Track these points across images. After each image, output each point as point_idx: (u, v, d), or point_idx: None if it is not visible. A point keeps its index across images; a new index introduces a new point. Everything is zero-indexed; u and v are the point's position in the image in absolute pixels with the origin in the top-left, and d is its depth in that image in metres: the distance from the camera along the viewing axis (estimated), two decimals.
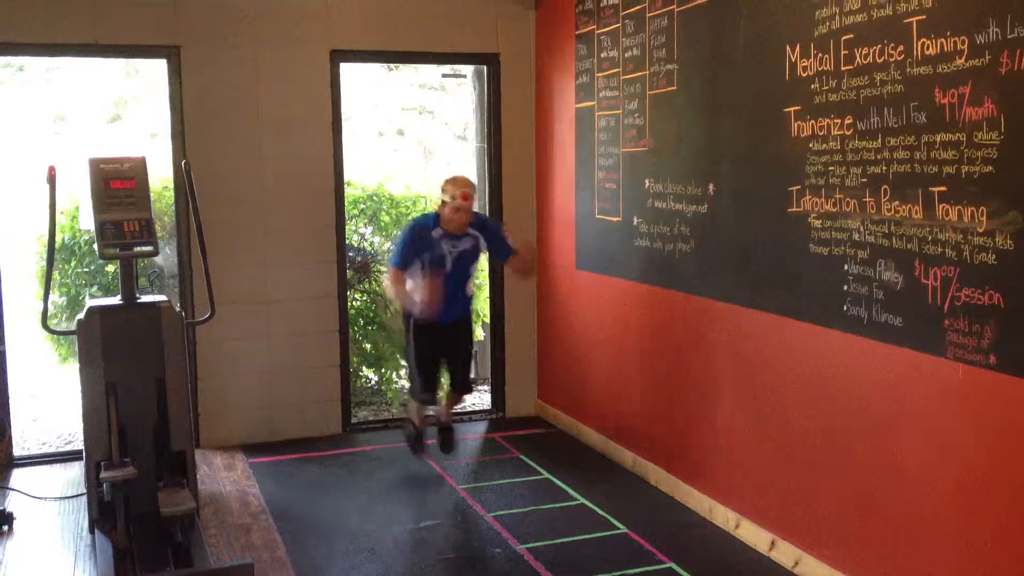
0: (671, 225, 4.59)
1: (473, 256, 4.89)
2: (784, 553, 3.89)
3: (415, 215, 5.64)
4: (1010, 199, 2.83)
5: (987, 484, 2.98)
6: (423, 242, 4.70)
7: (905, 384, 3.28)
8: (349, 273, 6.22)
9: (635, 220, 4.91)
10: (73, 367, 5.38)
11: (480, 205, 6.72)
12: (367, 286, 6.77)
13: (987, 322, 2.93)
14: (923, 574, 3.24)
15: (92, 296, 6.06)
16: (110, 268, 6.13)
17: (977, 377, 2.97)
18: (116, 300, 4.31)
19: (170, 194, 5.69)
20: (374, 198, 6.75)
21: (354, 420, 5.99)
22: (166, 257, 5.95)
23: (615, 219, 5.10)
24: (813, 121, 3.61)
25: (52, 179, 4.25)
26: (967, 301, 2.99)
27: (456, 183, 4.71)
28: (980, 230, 2.93)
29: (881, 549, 3.42)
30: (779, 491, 3.94)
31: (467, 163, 6.86)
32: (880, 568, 3.42)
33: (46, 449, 5.70)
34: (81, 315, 4.22)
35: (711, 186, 4.27)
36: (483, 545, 4.13)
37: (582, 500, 4.63)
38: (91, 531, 4.21)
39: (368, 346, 6.68)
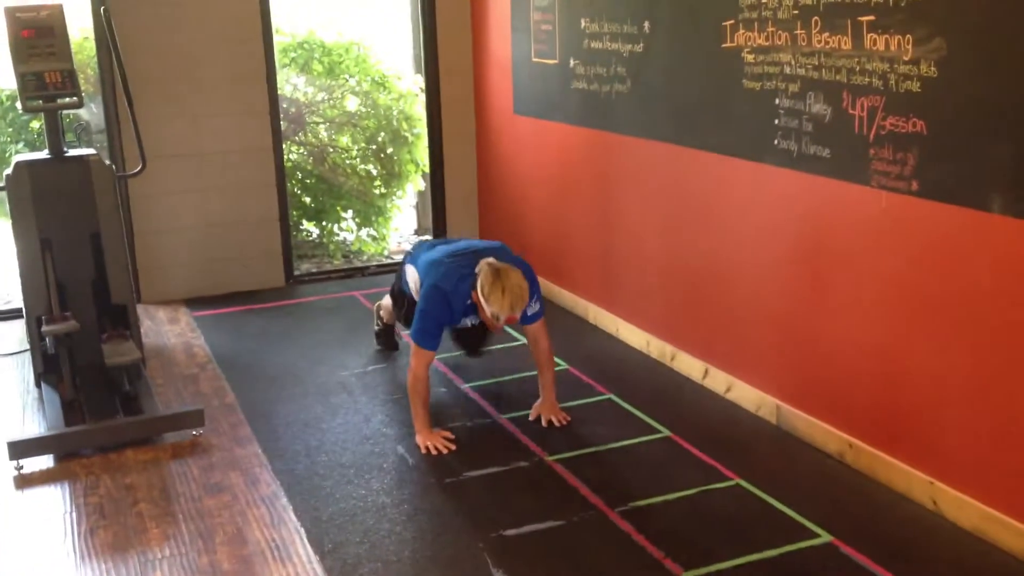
0: (607, 66, 4.56)
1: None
2: (716, 380, 4.07)
3: (440, 276, 3.75)
4: (936, 26, 2.86)
5: (906, 302, 3.13)
6: (451, 315, 3.75)
7: (832, 214, 3.38)
8: (284, 125, 6.11)
9: (571, 62, 4.87)
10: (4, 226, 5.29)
11: (415, 53, 6.61)
12: (303, 138, 6.67)
13: (910, 150, 3.01)
14: (843, 391, 3.43)
15: (18, 153, 5.90)
16: (35, 124, 5.95)
17: (900, 203, 3.08)
18: (43, 155, 4.21)
19: (91, 45, 5.48)
20: (305, 46, 6.57)
21: (297, 272, 6.02)
22: (92, 113, 5.79)
23: (552, 62, 5.05)
24: None
25: None
26: (892, 130, 3.07)
27: (505, 304, 3.51)
28: (906, 58, 2.97)
29: (797, 368, 3.60)
30: (711, 323, 4.09)
31: (400, 5, 6.68)
32: (803, 388, 3.61)
33: None
34: (8, 170, 4.12)
35: (646, 24, 4.23)
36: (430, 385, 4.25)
37: (522, 341, 4.75)
38: (37, 385, 4.25)
39: (308, 199, 6.65)
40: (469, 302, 3.68)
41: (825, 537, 2.97)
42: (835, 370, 3.47)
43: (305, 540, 3.07)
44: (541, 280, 5.49)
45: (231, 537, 3.10)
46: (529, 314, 3.73)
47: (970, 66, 2.78)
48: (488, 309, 3.53)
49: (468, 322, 3.85)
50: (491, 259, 3.65)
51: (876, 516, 3.11)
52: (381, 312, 4.66)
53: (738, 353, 3.95)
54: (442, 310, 3.69)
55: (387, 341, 4.71)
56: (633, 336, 4.65)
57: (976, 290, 2.88)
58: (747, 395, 3.90)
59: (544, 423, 3.81)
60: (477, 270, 3.61)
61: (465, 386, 4.25)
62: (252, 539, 3.09)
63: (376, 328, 4.73)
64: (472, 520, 3.15)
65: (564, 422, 3.82)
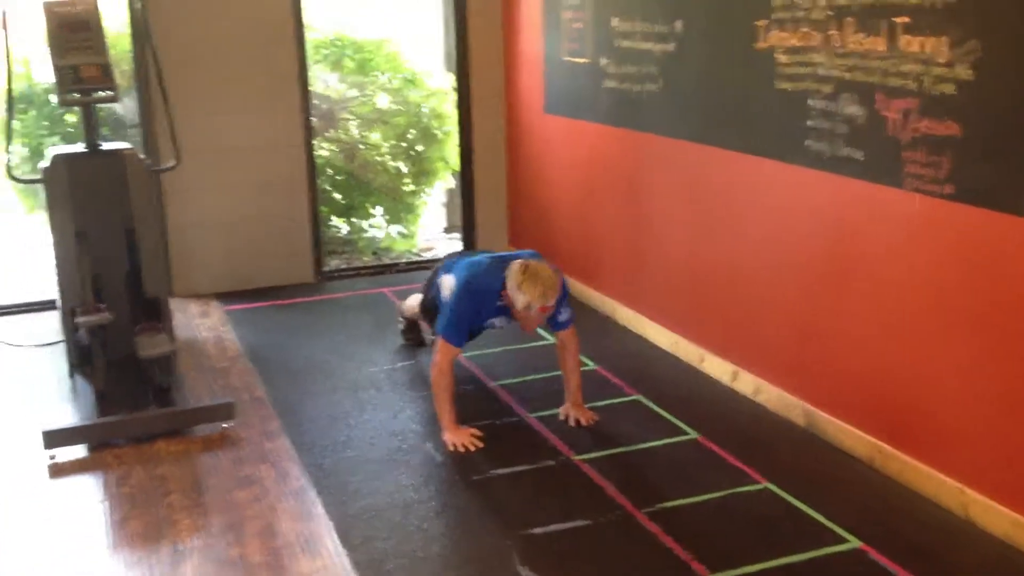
0: (639, 65, 4.56)
1: None
2: (745, 382, 4.06)
3: (476, 272, 3.75)
4: (971, 28, 2.84)
5: (939, 306, 3.11)
6: (481, 313, 3.75)
7: (865, 216, 3.36)
8: (315, 121, 6.15)
9: (602, 61, 4.86)
10: (41, 217, 5.36)
11: (446, 49, 6.63)
12: (334, 134, 6.71)
13: (944, 153, 2.99)
14: (873, 395, 3.41)
15: (53, 147, 5.97)
16: (69, 118, 6.02)
17: (934, 207, 3.05)
18: (80, 148, 4.26)
19: (127, 40, 5.54)
20: (336, 43, 6.61)
21: (326, 269, 6.05)
22: (125, 107, 5.85)
23: (583, 60, 5.05)
24: None
25: (4, 24, 4.13)
26: (926, 132, 3.04)
27: (536, 292, 3.49)
28: (941, 60, 2.95)
29: (827, 372, 3.58)
30: (741, 325, 4.08)
31: (432, 3, 6.69)
32: (833, 391, 3.59)
33: (19, 301, 5.73)
34: (45, 163, 4.18)
35: (678, 23, 4.22)
36: (458, 382, 4.23)
37: (550, 340, 4.75)
38: (71, 376, 4.30)
39: (338, 196, 6.68)
40: (499, 303, 3.68)
41: (854, 543, 2.96)
42: (864, 374, 3.44)
43: (334, 534, 3.09)
44: (569, 279, 5.51)
45: (261, 530, 3.13)
46: (560, 320, 3.76)
47: (1006, 68, 2.76)
48: (520, 300, 3.53)
49: (495, 323, 3.85)
50: (520, 260, 3.67)
51: (905, 522, 3.09)
52: (404, 312, 4.67)
53: (767, 356, 3.93)
54: (471, 306, 3.70)
55: (413, 336, 4.71)
56: (661, 337, 4.64)
57: (1011, 296, 2.85)
58: (776, 398, 3.88)
59: (572, 423, 3.82)
60: (507, 271, 3.63)
61: (493, 384, 4.26)
62: (281, 532, 3.11)
63: (400, 326, 4.75)
64: (499, 518, 3.17)
65: (592, 422, 3.82)
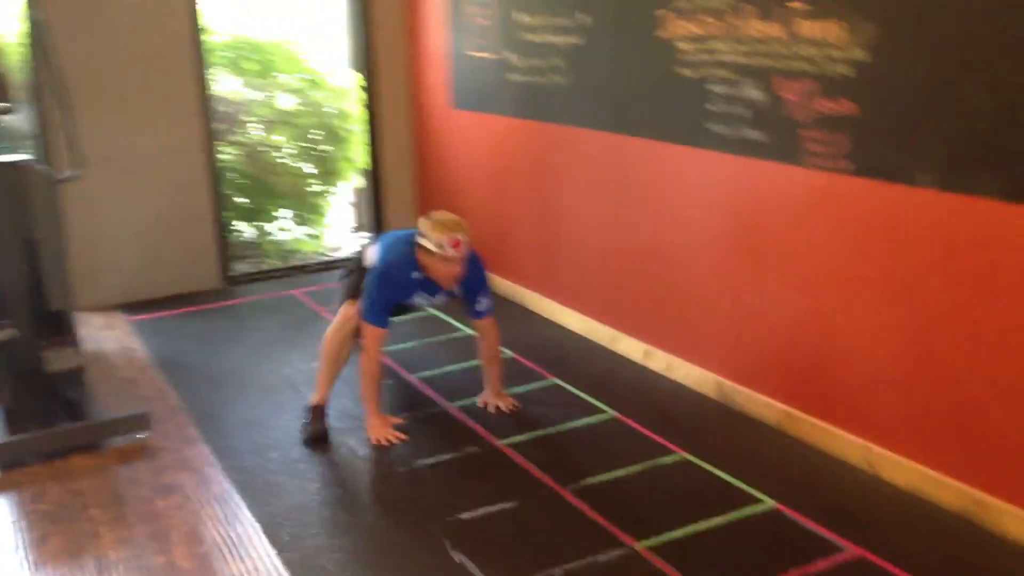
0: (544, 58, 4.63)
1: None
2: (658, 360, 4.17)
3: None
4: (865, 11, 2.98)
5: (841, 275, 3.26)
6: (399, 289, 3.72)
7: (768, 195, 3.49)
8: (216, 125, 6.05)
9: (508, 55, 4.92)
10: None
11: (350, 47, 6.59)
12: (236, 137, 6.61)
13: (842, 131, 3.13)
14: (780, 364, 3.55)
15: None
16: None
17: (833, 182, 3.20)
18: None
19: (17, 50, 5.36)
20: (236, 46, 6.51)
21: (233, 273, 5.97)
22: (20, 119, 5.66)
23: (489, 55, 5.10)
24: None
25: None
26: (824, 112, 3.18)
27: (445, 226, 3.55)
28: (837, 43, 3.08)
29: (736, 344, 3.71)
30: (651, 305, 4.19)
31: (334, 2, 6.65)
32: (742, 363, 3.72)
33: None
34: None
35: (582, 16, 4.31)
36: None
37: (469, 331, 4.80)
38: None
39: (242, 200, 6.59)
40: (416, 275, 3.67)
41: (769, 503, 3.08)
42: (772, 344, 3.58)
43: (262, 535, 3.07)
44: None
45: (186, 536, 3.09)
46: (479, 309, 3.79)
47: (900, 49, 2.90)
48: (432, 244, 3.53)
49: (419, 300, 3.82)
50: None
51: (816, 480, 3.23)
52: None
53: (678, 333, 4.05)
54: (392, 283, 3.69)
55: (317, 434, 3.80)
56: (574, 321, 4.73)
57: (905, 259, 3.01)
58: (688, 373, 4.00)
59: (492, 410, 3.86)
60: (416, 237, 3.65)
61: (412, 376, 4.28)
62: (208, 537, 3.08)
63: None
64: (428, 506, 3.19)
65: (513, 408, 3.88)
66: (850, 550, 2.80)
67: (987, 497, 2.87)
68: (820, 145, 3.22)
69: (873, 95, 3.01)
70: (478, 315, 3.81)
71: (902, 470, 3.12)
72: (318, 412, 3.78)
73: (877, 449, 3.20)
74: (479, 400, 3.94)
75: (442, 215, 3.65)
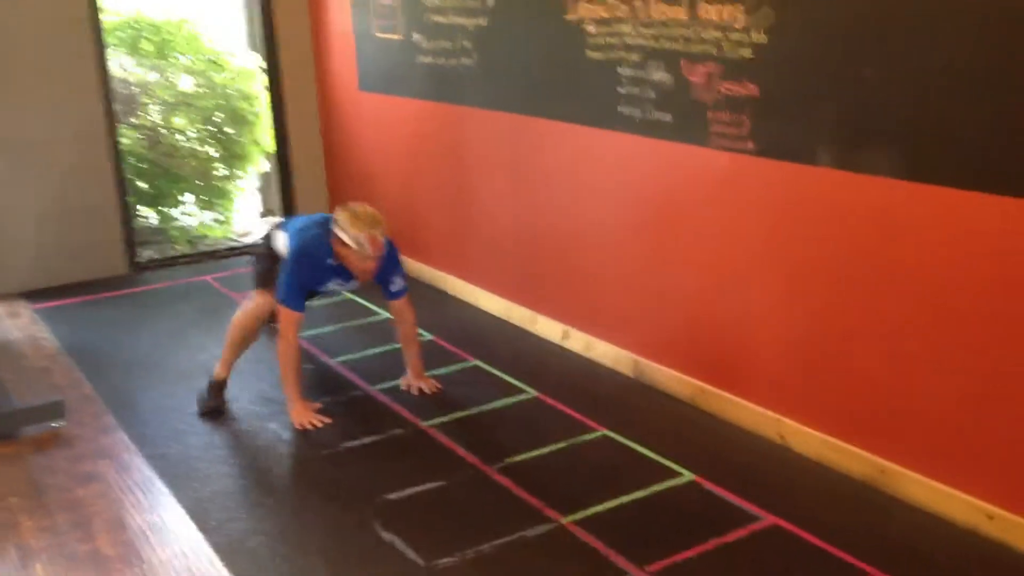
0: (452, 40, 4.66)
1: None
2: (576, 340, 4.28)
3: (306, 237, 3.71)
4: None
5: (746, 252, 3.40)
6: (313, 272, 3.71)
7: (677, 175, 3.61)
8: (115, 107, 5.90)
9: (416, 36, 4.93)
10: None
11: (250, 30, 6.49)
12: (136, 121, 6.45)
13: (745, 112, 3.26)
14: (692, 341, 3.69)
15: None
16: None
17: (738, 162, 3.33)
18: None
19: None
20: (133, 25, 6.34)
21: (139, 259, 5.85)
22: None
23: (396, 37, 5.10)
24: None
25: None
26: (727, 94, 3.31)
27: (364, 223, 3.55)
28: (737, 27, 3.21)
29: (651, 323, 3.84)
30: (568, 286, 4.28)
31: None
32: (656, 341, 3.86)
33: None
34: None
35: None
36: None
37: (387, 315, 4.82)
38: None
39: (144, 185, 6.44)
40: (331, 261, 3.66)
41: (688, 476, 3.22)
42: (684, 322, 3.72)
43: (188, 519, 3.07)
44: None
45: (110, 524, 3.06)
46: (394, 290, 3.82)
47: (797, 32, 3.04)
48: (350, 239, 3.53)
49: (333, 286, 3.82)
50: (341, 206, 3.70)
51: (731, 452, 3.38)
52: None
53: (595, 313, 4.16)
54: (306, 267, 3.67)
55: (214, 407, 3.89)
56: (493, 304, 4.80)
57: (808, 237, 3.17)
58: (606, 352, 4.11)
59: (415, 392, 3.91)
60: (332, 224, 3.65)
61: (333, 361, 4.29)
62: (132, 524, 3.06)
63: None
64: (355, 488, 3.23)
65: (435, 390, 3.93)
66: (766, 519, 2.95)
67: (891, 464, 3.05)
68: (725, 126, 3.35)
69: (772, 77, 3.15)
70: (393, 296, 3.83)
71: (808, 439, 3.29)
72: (216, 388, 3.88)
73: (787, 421, 3.37)
74: (402, 382, 3.97)
75: (361, 209, 3.62)
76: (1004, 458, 2.75)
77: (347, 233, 3.54)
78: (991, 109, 2.58)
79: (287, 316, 3.66)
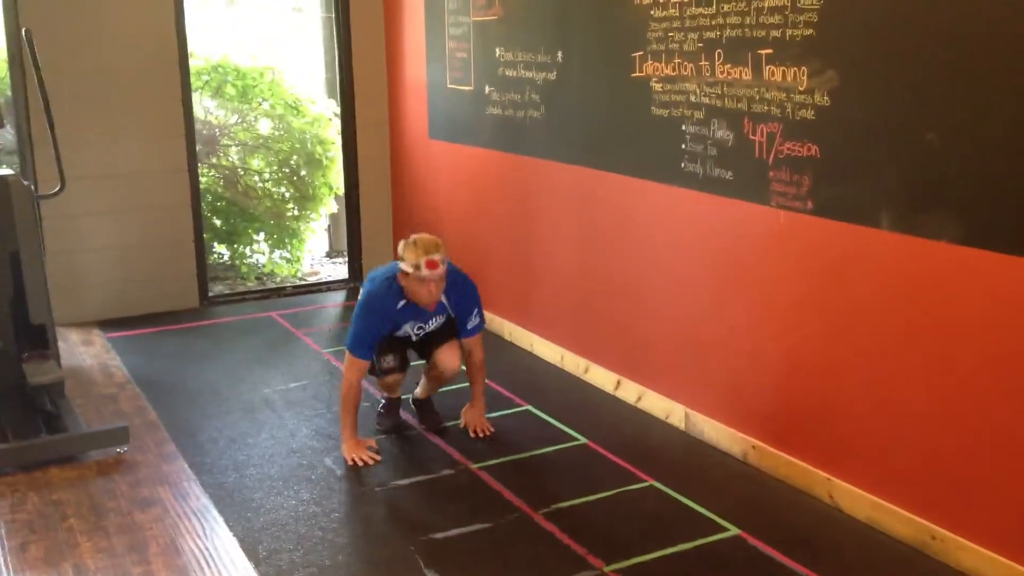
0: (521, 93, 4.77)
1: (446, 329, 3.93)
2: (628, 390, 4.30)
3: (376, 278, 3.83)
4: (828, 59, 3.15)
5: (804, 312, 3.40)
6: (383, 321, 3.75)
7: (736, 231, 3.64)
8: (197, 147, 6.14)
9: (487, 89, 5.07)
10: None
11: (328, 77, 6.72)
12: (216, 160, 6.70)
13: (805, 172, 3.29)
14: (746, 397, 3.68)
15: None
16: None
17: (797, 221, 3.35)
18: None
19: (2, 66, 5.44)
20: (219, 70, 6.62)
21: (210, 293, 6.03)
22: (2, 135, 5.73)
23: (467, 88, 5.24)
24: None
25: (29, 43, 4.11)
26: (789, 154, 3.34)
27: (418, 247, 3.60)
28: (801, 88, 3.25)
29: (703, 376, 3.85)
30: (622, 337, 4.31)
31: (311, 34, 6.79)
32: (709, 395, 3.85)
33: None
34: None
35: (560, 53, 4.46)
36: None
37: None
38: None
39: (219, 222, 6.66)
40: (402, 303, 3.72)
41: (734, 531, 3.20)
42: (739, 378, 3.72)
43: (239, 549, 3.14)
44: None
45: (164, 548, 3.15)
46: (469, 327, 3.89)
47: (858, 95, 3.07)
48: (409, 266, 3.58)
49: (411, 329, 3.84)
50: None
51: (779, 510, 3.36)
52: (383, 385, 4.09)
53: (648, 364, 4.18)
54: (374, 316, 3.72)
55: (389, 421, 4.10)
56: (548, 351, 4.85)
57: (868, 299, 3.16)
58: (657, 404, 4.12)
59: (471, 434, 3.96)
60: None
61: None
62: (186, 549, 3.14)
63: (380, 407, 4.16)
64: (402, 525, 3.28)
65: (488, 432, 3.97)
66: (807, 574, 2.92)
67: (944, 531, 3.01)
68: (784, 185, 3.37)
69: (833, 138, 3.17)
70: (467, 333, 3.90)
71: (859, 501, 3.25)
72: (390, 407, 4.11)
73: (837, 481, 3.33)
74: (462, 417, 4.05)
75: (420, 236, 3.69)
76: None
77: (406, 259, 3.61)
78: None
79: (351, 362, 3.74)
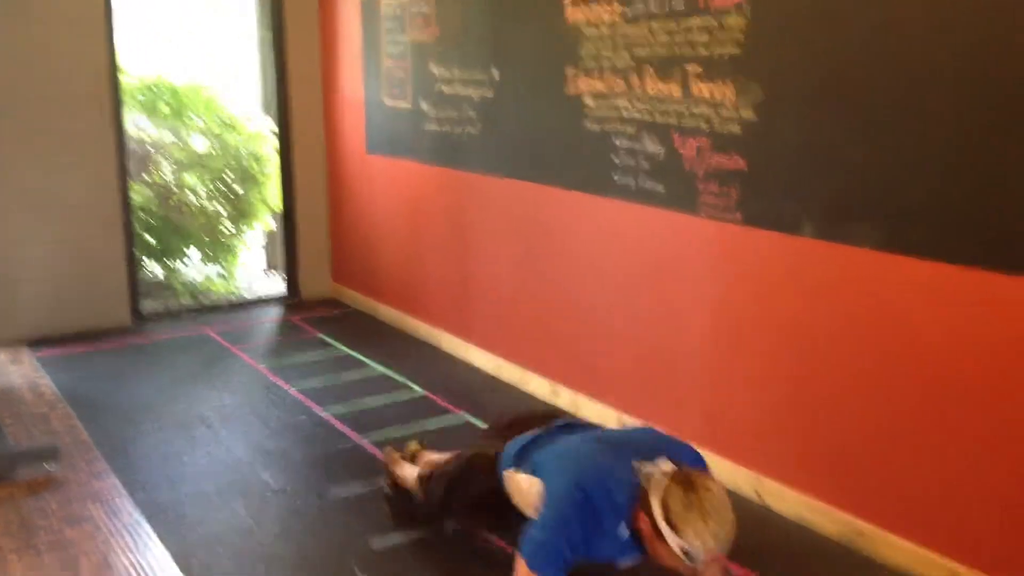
0: (459, 109, 4.83)
1: None
2: (564, 398, 4.35)
3: (570, 466, 2.56)
4: (753, 75, 3.26)
5: (733, 316, 3.49)
6: (596, 544, 2.46)
7: (668, 242, 3.73)
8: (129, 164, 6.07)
9: (424, 105, 5.11)
10: None
11: (264, 94, 6.70)
12: (148, 178, 6.62)
13: (733, 184, 3.39)
14: (677, 397, 3.76)
15: None
16: None
17: (726, 231, 3.45)
18: None
19: None
20: (153, 88, 6.56)
21: (143, 311, 5.95)
22: None
23: (405, 105, 5.28)
24: (586, 8, 3.92)
25: None
26: (717, 167, 3.44)
27: (708, 521, 2.30)
28: (728, 104, 3.35)
29: (643, 381, 3.92)
30: (558, 345, 4.37)
31: (247, 52, 6.77)
32: (643, 398, 3.93)
33: None
34: None
35: (495, 71, 4.53)
36: (290, 414, 4.34)
37: (382, 370, 4.91)
38: None
39: (152, 239, 6.58)
40: (623, 531, 2.45)
41: None
42: (671, 379, 3.79)
43: (173, 564, 3.11)
44: (394, 311, 5.69)
45: (97, 565, 3.10)
46: None
47: (782, 110, 3.18)
48: (676, 542, 2.30)
49: (620, 562, 2.55)
50: (664, 460, 2.44)
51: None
52: (400, 473, 3.30)
53: (584, 372, 4.24)
54: (584, 523, 2.42)
55: (400, 509, 3.30)
56: (486, 361, 4.89)
57: (793, 304, 3.26)
58: (592, 410, 4.18)
59: None
60: (639, 475, 2.43)
61: (326, 413, 4.36)
62: (119, 565, 3.10)
63: (385, 490, 3.40)
64: (340, 537, 3.27)
65: None
66: None
67: (870, 526, 3.11)
68: (714, 196, 3.47)
69: (758, 151, 3.28)
70: None
71: (787, 499, 3.34)
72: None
73: (765, 480, 3.42)
74: None
75: (716, 511, 2.31)
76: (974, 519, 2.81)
77: (675, 530, 2.31)
78: (968, 186, 2.70)
79: None
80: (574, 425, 2.91)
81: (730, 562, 2.90)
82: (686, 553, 2.30)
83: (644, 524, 2.37)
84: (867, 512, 3.10)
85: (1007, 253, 2.63)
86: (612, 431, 2.86)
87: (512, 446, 2.80)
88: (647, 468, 2.41)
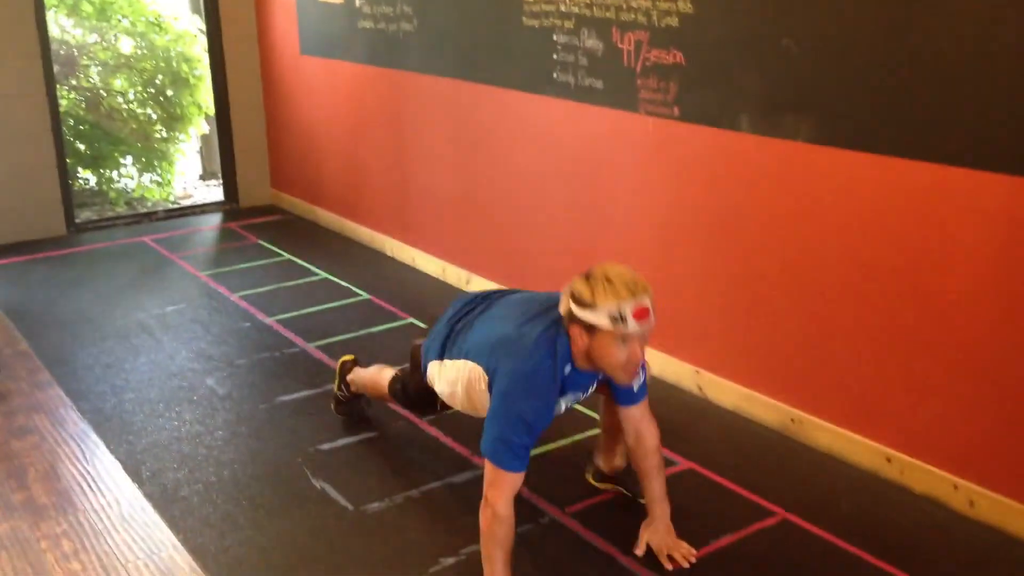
0: (393, 5, 4.71)
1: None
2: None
3: (529, 359, 2.43)
4: None
5: (671, 211, 3.53)
6: (549, 407, 2.45)
7: (608, 138, 3.72)
8: (54, 68, 5.86)
9: (357, 2, 4.97)
10: None
11: None
12: (76, 82, 6.41)
13: (671, 79, 3.38)
14: None
15: None
16: None
17: (664, 127, 3.45)
18: None
19: None
20: None
21: (78, 221, 5.83)
22: None
23: (337, 1, 5.13)
24: None
25: None
26: (655, 62, 3.42)
27: (618, 286, 2.33)
28: None
29: None
30: (501, 246, 4.38)
31: None
32: None
33: None
34: None
35: None
36: (233, 321, 4.32)
37: (325, 275, 4.89)
38: None
39: (83, 146, 6.41)
40: (569, 369, 2.45)
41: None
42: None
43: (121, 471, 3.12)
44: (335, 216, 5.64)
45: (44, 474, 3.11)
46: (636, 388, 2.60)
47: (720, 3, 3.15)
48: (603, 316, 2.31)
49: (566, 404, 2.60)
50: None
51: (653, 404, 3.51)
52: (351, 379, 3.31)
53: (528, 272, 4.27)
54: (540, 401, 2.41)
55: (351, 409, 3.42)
56: (429, 264, 4.89)
57: (729, 197, 3.30)
58: None
59: (667, 565, 2.58)
60: (553, 312, 2.47)
61: (270, 319, 4.35)
62: (66, 474, 3.11)
63: (338, 394, 3.40)
64: (288, 439, 3.31)
65: (692, 559, 2.61)
66: (680, 463, 3.09)
67: (802, 414, 3.21)
68: (652, 92, 3.46)
69: (696, 45, 3.26)
70: (629, 399, 2.61)
71: (727, 391, 3.44)
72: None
73: (706, 373, 3.51)
74: (640, 542, 2.64)
75: (613, 270, 2.38)
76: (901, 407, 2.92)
77: (594, 308, 2.32)
78: (894, 77, 2.72)
79: (502, 482, 2.39)
80: (475, 301, 2.82)
81: (670, 451, 2.99)
82: (614, 320, 2.30)
83: (576, 336, 2.39)
84: (801, 401, 3.21)
85: (928, 142, 2.67)
86: (512, 295, 2.82)
87: (432, 340, 2.81)
88: (560, 296, 2.47)
